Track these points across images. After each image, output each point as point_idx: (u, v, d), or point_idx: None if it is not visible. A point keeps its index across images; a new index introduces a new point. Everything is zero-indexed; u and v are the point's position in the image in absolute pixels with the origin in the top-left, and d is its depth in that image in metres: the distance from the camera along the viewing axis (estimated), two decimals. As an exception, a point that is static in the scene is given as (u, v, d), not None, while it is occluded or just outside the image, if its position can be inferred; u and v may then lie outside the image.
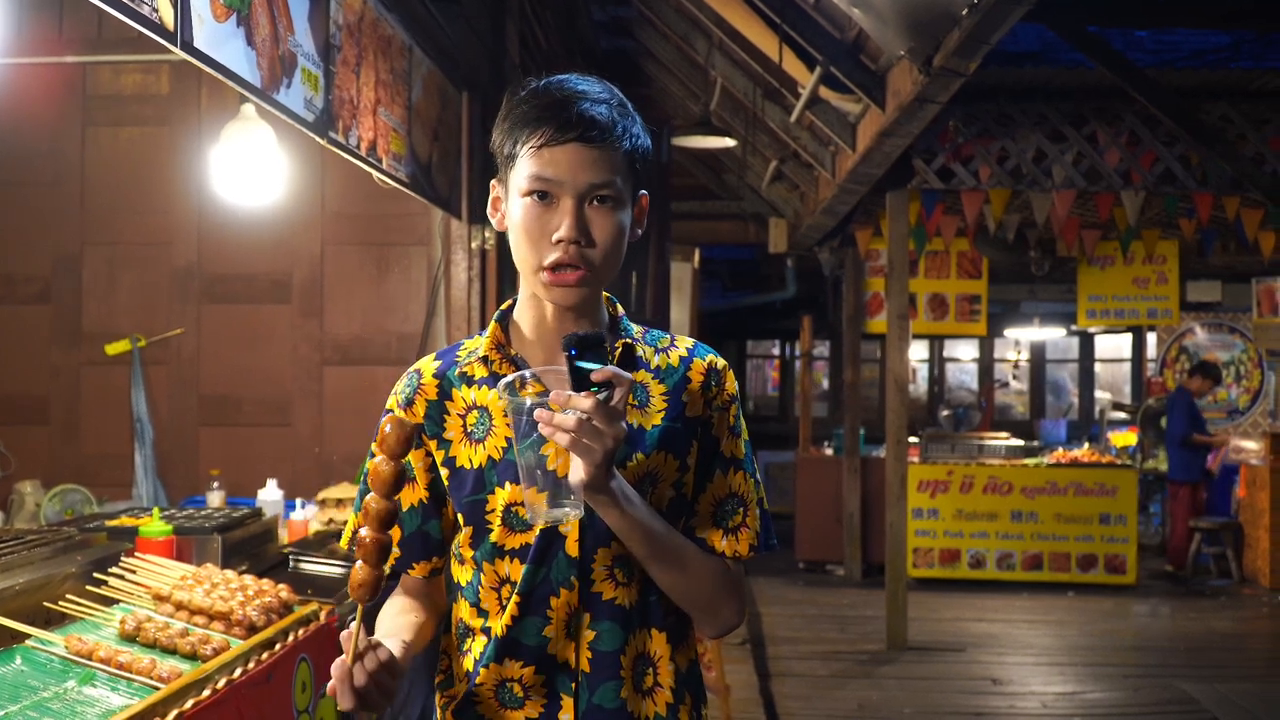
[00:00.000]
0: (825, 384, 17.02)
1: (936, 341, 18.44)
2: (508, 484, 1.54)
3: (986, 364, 18.65)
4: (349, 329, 5.04)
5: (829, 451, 10.45)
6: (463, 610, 1.63)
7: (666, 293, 8.36)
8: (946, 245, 9.50)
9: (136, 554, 2.87)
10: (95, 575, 2.69)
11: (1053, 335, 16.66)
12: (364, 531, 1.45)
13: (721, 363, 1.66)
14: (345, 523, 3.15)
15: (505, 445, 1.55)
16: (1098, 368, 18.79)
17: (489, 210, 1.64)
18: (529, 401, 1.40)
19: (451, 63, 4.38)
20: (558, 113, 1.48)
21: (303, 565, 3.44)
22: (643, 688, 1.57)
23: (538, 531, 1.53)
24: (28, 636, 2.30)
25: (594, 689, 1.55)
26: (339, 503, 4.15)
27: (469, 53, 4.63)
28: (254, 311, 5.04)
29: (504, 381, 1.43)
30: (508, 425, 1.54)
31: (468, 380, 1.59)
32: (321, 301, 5.04)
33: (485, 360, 1.59)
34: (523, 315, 1.61)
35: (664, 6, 7.47)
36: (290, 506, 4.13)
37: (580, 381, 1.38)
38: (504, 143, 1.54)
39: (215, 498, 4.25)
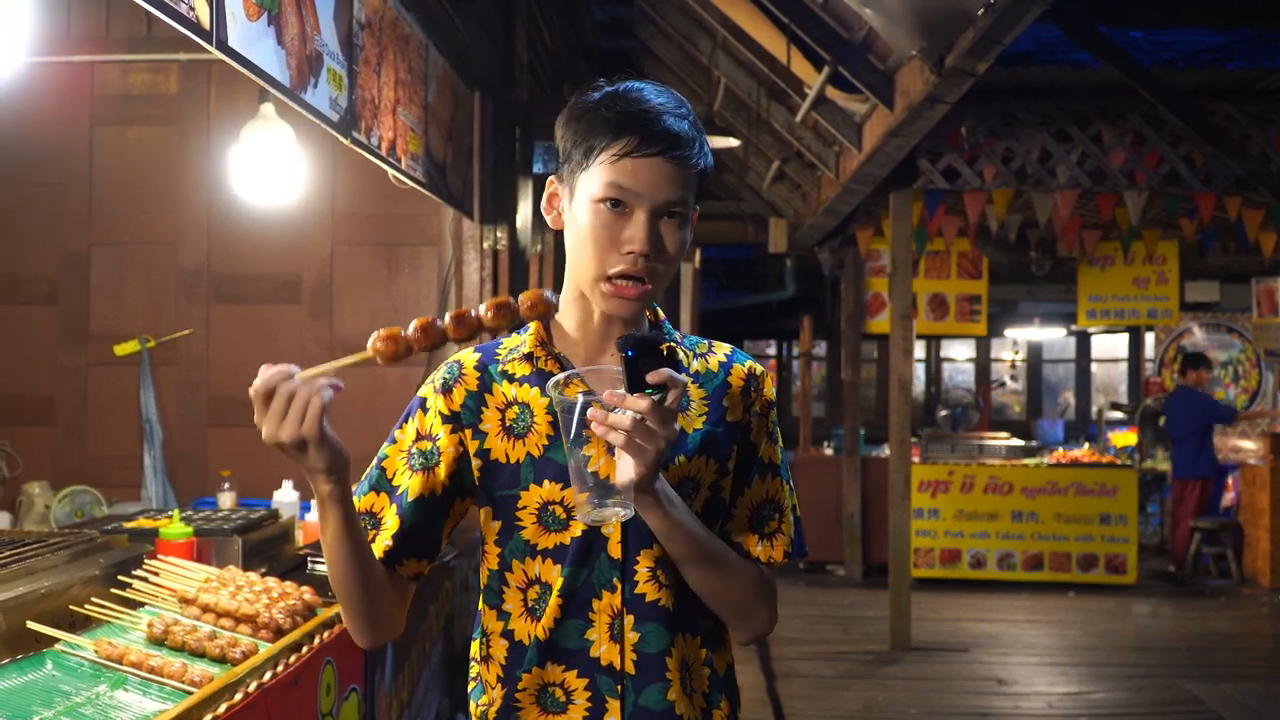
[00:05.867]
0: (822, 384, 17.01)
1: (933, 341, 18.44)
2: (545, 482, 1.52)
3: (983, 364, 18.65)
4: (359, 330, 5.00)
5: (829, 451, 10.45)
6: (484, 615, 1.60)
7: (676, 294, 8.35)
8: (947, 245, 9.52)
9: (158, 556, 2.85)
10: (119, 578, 2.67)
11: (1051, 335, 16.67)
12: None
13: (760, 368, 1.66)
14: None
15: (546, 444, 1.54)
16: (1094, 368, 18.81)
17: (544, 206, 1.62)
18: (582, 399, 1.40)
19: (464, 62, 4.36)
20: (644, 125, 1.48)
21: (320, 567, 3.42)
22: (689, 688, 1.56)
23: (578, 532, 1.52)
24: (55, 641, 2.28)
25: (640, 691, 1.53)
26: (352, 504, 4.11)
27: (481, 52, 4.61)
28: (263, 312, 5.00)
29: (552, 381, 1.43)
30: (549, 424, 1.53)
31: (509, 377, 1.58)
32: (331, 302, 5.01)
33: (529, 358, 1.58)
34: (566, 314, 1.60)
35: (666, 6, 7.44)
36: (305, 508, 4.10)
37: (635, 382, 1.37)
38: (576, 145, 1.52)
39: (226, 499, 4.22)
